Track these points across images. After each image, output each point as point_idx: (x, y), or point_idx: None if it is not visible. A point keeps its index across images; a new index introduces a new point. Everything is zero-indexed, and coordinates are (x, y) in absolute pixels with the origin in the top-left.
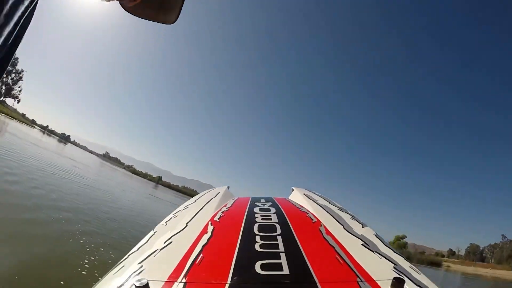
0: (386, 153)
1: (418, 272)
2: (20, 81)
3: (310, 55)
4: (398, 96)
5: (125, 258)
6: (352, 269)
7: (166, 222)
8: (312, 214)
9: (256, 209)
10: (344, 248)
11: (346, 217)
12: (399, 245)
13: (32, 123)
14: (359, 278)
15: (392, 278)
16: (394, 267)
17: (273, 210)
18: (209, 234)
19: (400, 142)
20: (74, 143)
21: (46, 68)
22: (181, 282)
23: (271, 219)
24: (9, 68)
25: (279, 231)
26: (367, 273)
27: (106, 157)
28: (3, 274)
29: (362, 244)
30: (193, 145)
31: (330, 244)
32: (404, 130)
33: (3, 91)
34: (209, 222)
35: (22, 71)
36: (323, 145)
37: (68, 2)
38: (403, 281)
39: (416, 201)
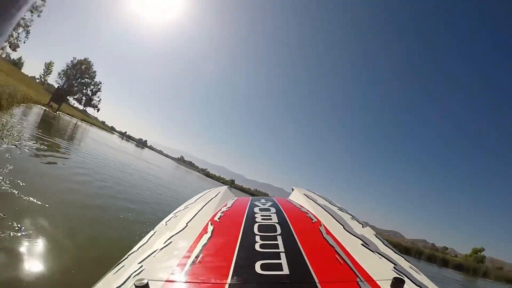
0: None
1: (418, 272)
2: (98, 92)
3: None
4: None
5: (125, 258)
6: (352, 269)
7: (166, 222)
8: (312, 214)
9: (256, 209)
10: (344, 248)
11: (346, 217)
12: (476, 259)
13: (111, 129)
14: (359, 278)
15: (392, 278)
16: (394, 267)
17: (273, 210)
18: (209, 234)
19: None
20: (150, 147)
21: (124, 78)
22: (181, 282)
23: (271, 219)
24: (88, 80)
25: (279, 231)
26: (367, 273)
27: (181, 160)
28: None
29: (362, 244)
30: (267, 150)
31: (330, 244)
32: None
33: (84, 101)
34: (209, 222)
35: (100, 82)
36: None
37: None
38: (403, 281)
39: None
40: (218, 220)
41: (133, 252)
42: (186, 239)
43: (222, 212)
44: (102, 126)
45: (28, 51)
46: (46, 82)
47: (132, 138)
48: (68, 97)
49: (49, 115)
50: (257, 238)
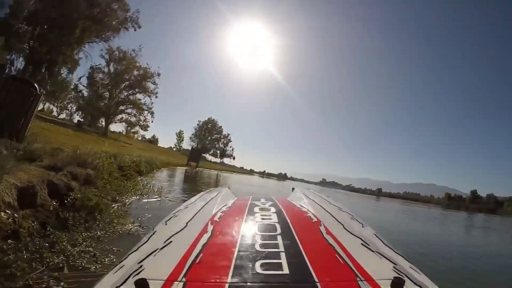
0: None
1: (418, 272)
2: (230, 142)
3: None
4: None
5: (125, 258)
6: (352, 269)
7: (166, 222)
8: (312, 213)
9: (256, 209)
10: (344, 248)
11: (346, 217)
12: None
13: (250, 172)
14: (359, 277)
15: (392, 278)
16: (394, 267)
17: (273, 210)
18: (209, 233)
19: None
20: (291, 178)
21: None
22: (181, 281)
23: (271, 219)
24: (217, 135)
25: (279, 231)
26: (367, 272)
27: (323, 183)
28: None
29: (362, 244)
30: (408, 148)
31: (330, 244)
32: None
33: (219, 154)
34: (209, 222)
35: (229, 134)
36: None
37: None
38: (403, 281)
39: None
40: (218, 220)
41: (133, 252)
42: (186, 238)
43: (222, 212)
44: (241, 170)
45: (158, 130)
46: (181, 148)
47: (272, 174)
48: (204, 154)
49: (191, 172)
50: (257, 237)
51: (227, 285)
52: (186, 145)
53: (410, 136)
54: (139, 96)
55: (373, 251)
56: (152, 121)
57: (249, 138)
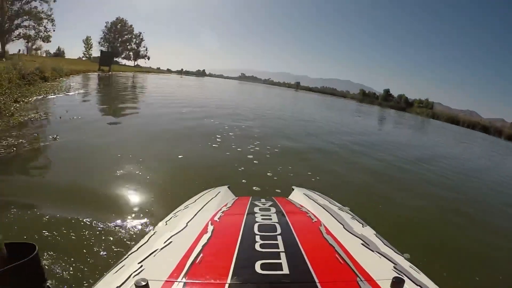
0: None
1: (418, 272)
2: (142, 42)
3: None
4: None
5: (125, 258)
6: (352, 269)
7: (166, 222)
8: (312, 213)
9: (256, 209)
10: (344, 248)
11: (346, 216)
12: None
13: (168, 71)
14: (359, 277)
15: (392, 278)
16: (394, 267)
17: (273, 210)
18: (209, 234)
19: None
20: (210, 75)
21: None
22: (181, 281)
23: (271, 219)
24: (128, 36)
25: (279, 231)
26: (367, 272)
27: (242, 78)
28: None
29: (362, 244)
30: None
31: (330, 244)
32: None
33: (132, 56)
34: (209, 222)
35: (140, 33)
36: None
37: None
38: (403, 281)
39: None
40: (218, 220)
41: (133, 252)
42: (186, 239)
43: (222, 212)
44: (158, 71)
45: (64, 40)
46: (92, 56)
47: (190, 72)
48: (116, 58)
49: (103, 76)
50: (257, 238)
51: (227, 285)
52: (96, 52)
53: (329, 29)
54: (34, 4)
55: (373, 251)
56: (53, 30)
57: (164, 35)
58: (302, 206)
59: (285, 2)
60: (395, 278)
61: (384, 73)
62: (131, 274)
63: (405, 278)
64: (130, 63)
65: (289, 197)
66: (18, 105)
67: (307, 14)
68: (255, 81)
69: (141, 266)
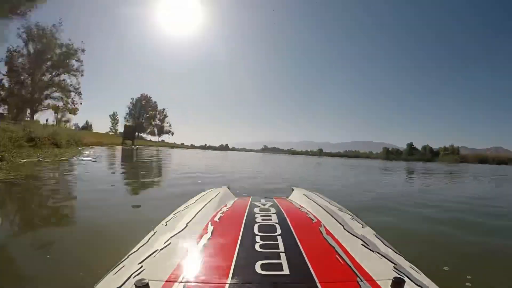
0: None
1: (418, 272)
2: (166, 118)
3: None
4: None
5: (125, 258)
6: (352, 269)
7: (166, 223)
8: (312, 214)
9: (256, 209)
10: (344, 248)
11: (346, 217)
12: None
13: (192, 146)
14: (359, 278)
15: (392, 278)
16: (394, 267)
17: (273, 210)
18: (209, 234)
19: None
20: (233, 149)
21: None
22: (181, 282)
23: (271, 219)
24: (152, 112)
25: (279, 231)
26: (367, 273)
27: (265, 149)
28: None
29: (362, 244)
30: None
31: (330, 244)
32: None
33: (157, 131)
34: (209, 223)
35: (164, 109)
36: None
37: None
38: (403, 281)
39: None
40: (218, 221)
41: (133, 253)
42: (186, 239)
43: (222, 213)
44: (182, 146)
45: (92, 115)
46: (118, 131)
47: (213, 147)
48: (140, 134)
49: (128, 149)
50: (257, 238)
51: (227, 285)
52: (122, 127)
53: (346, 96)
54: (63, 76)
55: (373, 251)
56: (81, 103)
57: (188, 113)
58: (302, 207)
59: (298, 74)
60: (395, 278)
61: (404, 127)
62: (131, 274)
63: (405, 278)
64: (155, 138)
65: (289, 198)
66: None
67: (327, 81)
68: (277, 151)
69: (141, 266)
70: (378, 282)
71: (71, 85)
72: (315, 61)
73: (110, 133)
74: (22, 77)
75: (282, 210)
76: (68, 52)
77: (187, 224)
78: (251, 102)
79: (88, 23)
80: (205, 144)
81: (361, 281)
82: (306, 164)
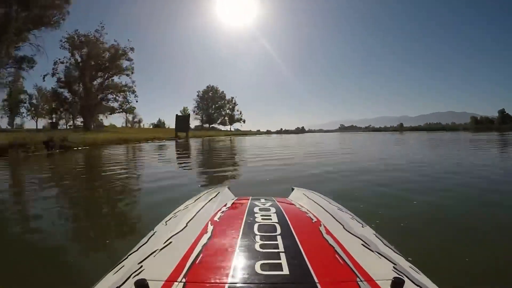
0: None
1: (418, 272)
2: (236, 106)
3: None
4: None
5: (125, 258)
6: (352, 269)
7: (166, 222)
8: (312, 213)
9: (256, 209)
10: (344, 248)
11: (346, 217)
12: None
13: (268, 132)
14: (359, 278)
15: (392, 278)
16: (394, 267)
17: (273, 210)
18: (209, 234)
19: None
20: (310, 131)
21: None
22: (180, 282)
23: (271, 219)
24: (221, 102)
25: (279, 231)
26: (367, 273)
27: (341, 129)
28: None
29: (362, 244)
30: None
31: (330, 244)
32: None
33: (228, 120)
34: (209, 222)
35: (233, 98)
36: None
37: None
38: (403, 281)
39: None
40: (218, 220)
41: (133, 252)
42: (186, 239)
43: (222, 212)
44: (257, 133)
45: (164, 113)
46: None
47: (290, 131)
48: (212, 125)
49: (180, 143)
50: (257, 238)
51: (227, 285)
52: (194, 122)
53: (420, 63)
54: (116, 79)
55: (373, 251)
56: (136, 101)
57: (261, 101)
58: (302, 206)
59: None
60: (395, 278)
61: (489, 91)
62: (131, 274)
63: (405, 278)
64: (228, 128)
65: (289, 197)
66: None
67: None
68: (354, 130)
69: (141, 266)
70: (378, 282)
71: (126, 85)
72: (385, 31)
73: None
74: (74, 87)
75: (282, 209)
76: (115, 54)
77: (187, 223)
78: (324, 82)
79: (149, 20)
80: (281, 129)
81: (361, 281)
82: (395, 143)
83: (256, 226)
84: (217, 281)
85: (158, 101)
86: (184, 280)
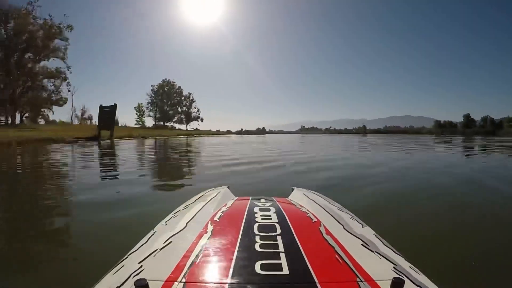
0: None
1: (418, 272)
2: (193, 103)
3: None
4: None
5: (125, 258)
6: (352, 269)
7: (166, 222)
8: (312, 214)
9: (256, 209)
10: (344, 248)
11: (346, 217)
12: None
13: (228, 132)
14: (359, 278)
15: (392, 278)
16: (394, 267)
17: (273, 210)
18: (209, 234)
19: None
20: (270, 131)
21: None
22: (180, 282)
23: (271, 219)
24: (178, 98)
25: (279, 231)
26: (366, 273)
27: (302, 130)
28: None
29: (362, 244)
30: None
31: (330, 244)
32: None
33: (184, 119)
34: (209, 222)
35: (190, 94)
36: None
37: None
38: (403, 281)
39: None
40: (218, 220)
41: (132, 252)
42: (186, 239)
43: (222, 212)
44: (217, 133)
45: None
46: (144, 123)
47: (250, 132)
48: (166, 123)
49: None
50: (257, 238)
51: (227, 285)
52: (149, 120)
53: (378, 68)
54: (45, 63)
55: (373, 252)
56: (69, 91)
57: (222, 100)
58: (302, 206)
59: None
60: (395, 278)
61: (447, 99)
62: (131, 274)
63: (405, 278)
64: (186, 127)
65: (289, 197)
66: None
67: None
68: (316, 131)
69: (141, 266)
70: (378, 283)
71: (57, 70)
72: (346, 36)
73: (136, 126)
74: None
75: (282, 209)
76: (49, 32)
77: (187, 223)
78: (284, 84)
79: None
80: (241, 129)
81: (361, 281)
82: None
83: (256, 226)
84: (217, 281)
85: (116, 98)
86: (184, 280)
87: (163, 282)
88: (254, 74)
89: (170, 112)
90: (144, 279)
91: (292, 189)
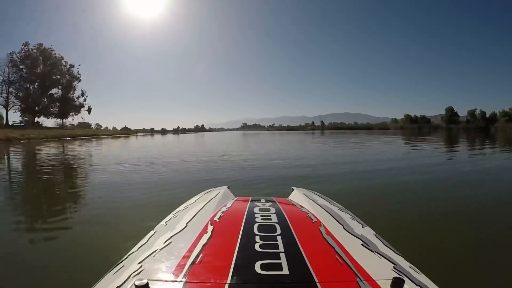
0: None
1: (418, 272)
2: (75, 83)
3: None
4: None
5: (125, 258)
6: (352, 269)
7: (166, 222)
8: (312, 214)
9: (256, 209)
10: (344, 248)
11: (346, 217)
12: None
13: (163, 131)
14: (359, 278)
15: (392, 278)
16: (393, 267)
17: (273, 210)
18: (209, 234)
19: None
20: (210, 129)
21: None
22: (181, 282)
23: (271, 219)
24: (59, 76)
25: (279, 231)
26: (367, 273)
27: (244, 127)
28: None
29: (362, 244)
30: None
31: (330, 244)
32: None
33: (58, 109)
34: (209, 222)
35: (72, 66)
36: None
37: None
38: (403, 281)
39: None
40: (218, 220)
41: (133, 252)
42: (186, 239)
43: (222, 212)
44: (151, 131)
45: None
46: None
47: (189, 130)
48: (42, 117)
49: None
50: (257, 238)
51: (226, 285)
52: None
53: (316, 65)
54: None
55: (373, 251)
56: None
57: (156, 97)
58: (302, 207)
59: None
60: (395, 278)
61: (382, 95)
62: (131, 274)
63: (405, 278)
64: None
65: (289, 197)
66: None
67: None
68: (258, 129)
69: (141, 266)
70: (378, 282)
71: None
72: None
73: None
74: None
75: (282, 210)
76: None
77: (187, 223)
78: (224, 81)
79: None
80: (178, 127)
81: (361, 281)
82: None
83: (256, 226)
84: (217, 281)
85: None
86: (184, 280)
87: (163, 282)
88: (191, 71)
89: (46, 100)
90: (144, 279)
91: (292, 189)
